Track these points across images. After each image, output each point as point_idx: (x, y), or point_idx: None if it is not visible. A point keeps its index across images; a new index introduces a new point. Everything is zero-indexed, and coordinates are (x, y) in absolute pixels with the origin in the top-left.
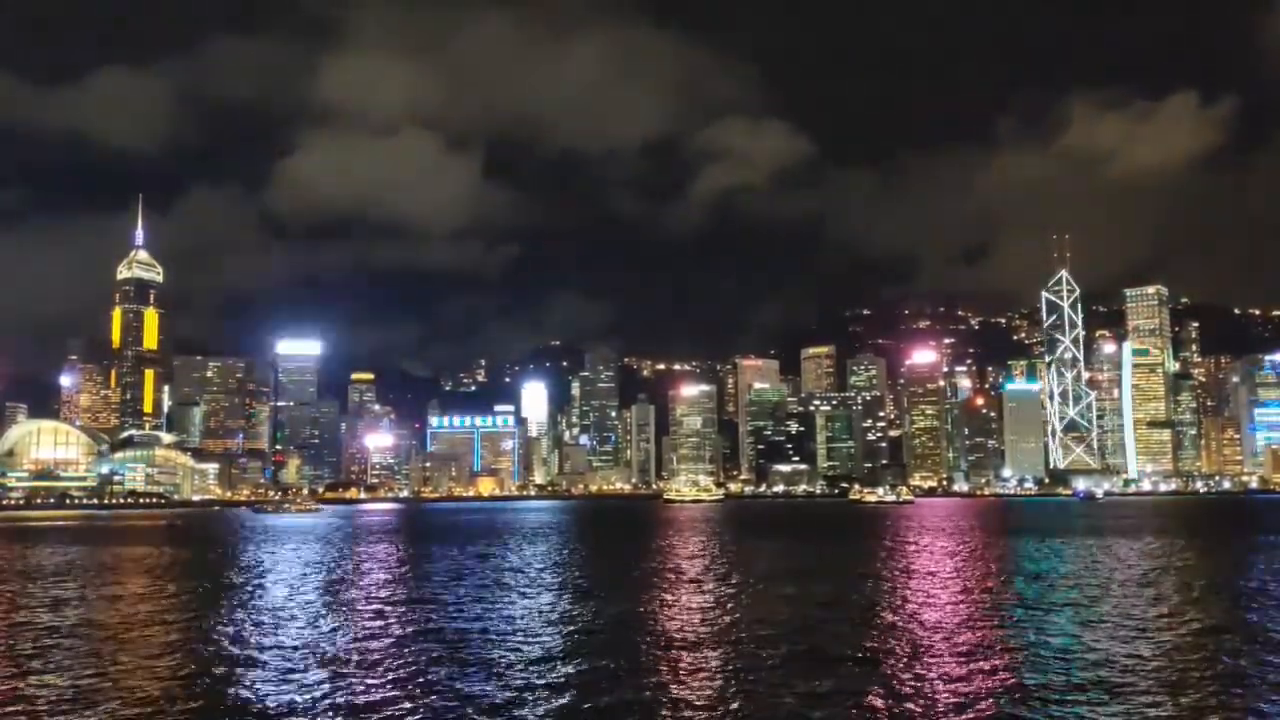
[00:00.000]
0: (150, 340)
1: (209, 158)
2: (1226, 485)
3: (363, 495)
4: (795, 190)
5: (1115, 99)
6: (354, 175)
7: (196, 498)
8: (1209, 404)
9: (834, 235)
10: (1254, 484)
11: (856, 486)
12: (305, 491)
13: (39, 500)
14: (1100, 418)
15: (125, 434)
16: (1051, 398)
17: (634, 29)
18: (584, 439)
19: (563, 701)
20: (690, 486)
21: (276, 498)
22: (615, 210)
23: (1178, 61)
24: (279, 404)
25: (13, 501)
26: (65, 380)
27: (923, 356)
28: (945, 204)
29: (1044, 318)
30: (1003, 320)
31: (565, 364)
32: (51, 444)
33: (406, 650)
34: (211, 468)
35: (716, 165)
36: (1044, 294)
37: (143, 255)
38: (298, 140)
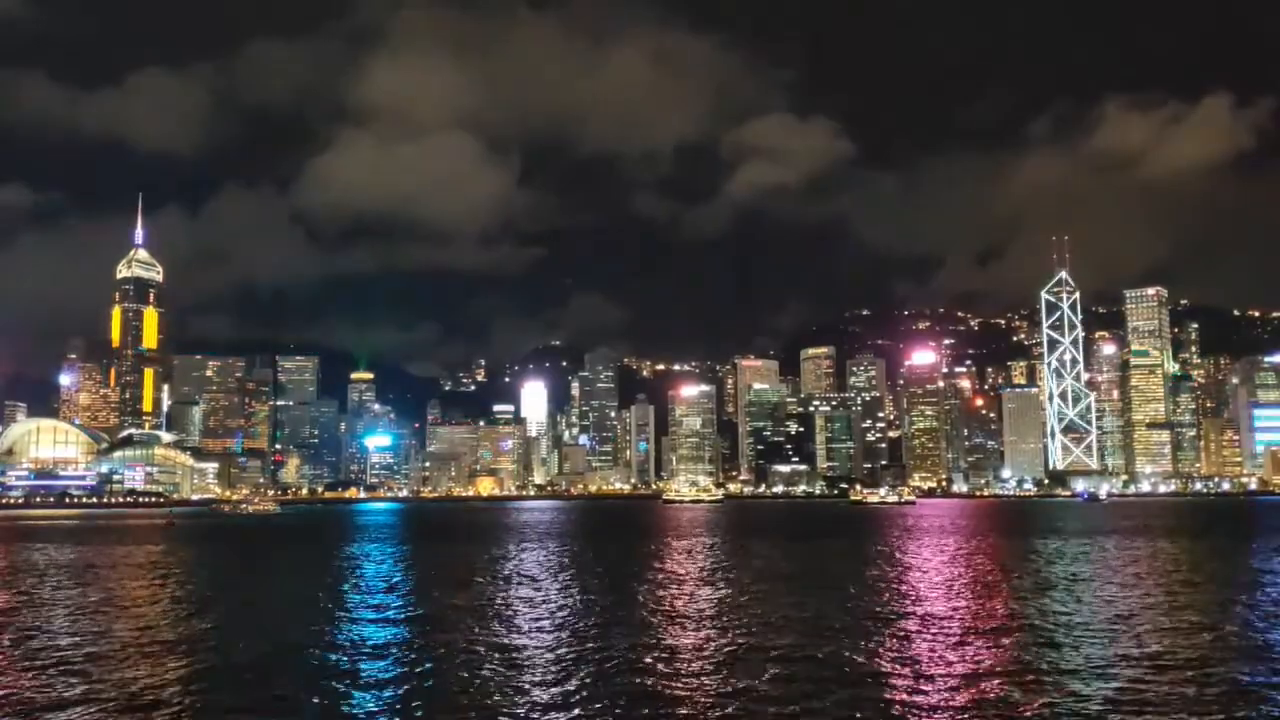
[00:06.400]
0: (150, 339)
1: (242, 158)
2: (1225, 487)
3: (362, 495)
4: (826, 191)
5: (1149, 101)
6: (388, 176)
7: (195, 497)
8: (1208, 405)
9: (859, 236)
10: (1253, 485)
11: (858, 487)
12: (305, 491)
13: (38, 499)
14: (1099, 419)
15: (124, 433)
16: (1051, 399)
17: (674, 33)
18: (583, 439)
19: (561, 701)
20: (689, 487)
21: (234, 498)
22: (646, 213)
23: (1215, 64)
24: (278, 403)
25: (12, 500)
26: (65, 379)
27: (922, 357)
28: (973, 205)
29: (1043, 319)
30: (1002, 321)
31: (565, 364)
32: (51, 443)
33: (401, 650)
34: (211, 467)
35: (753, 163)
36: (1044, 295)
37: (142, 254)
38: (332, 142)
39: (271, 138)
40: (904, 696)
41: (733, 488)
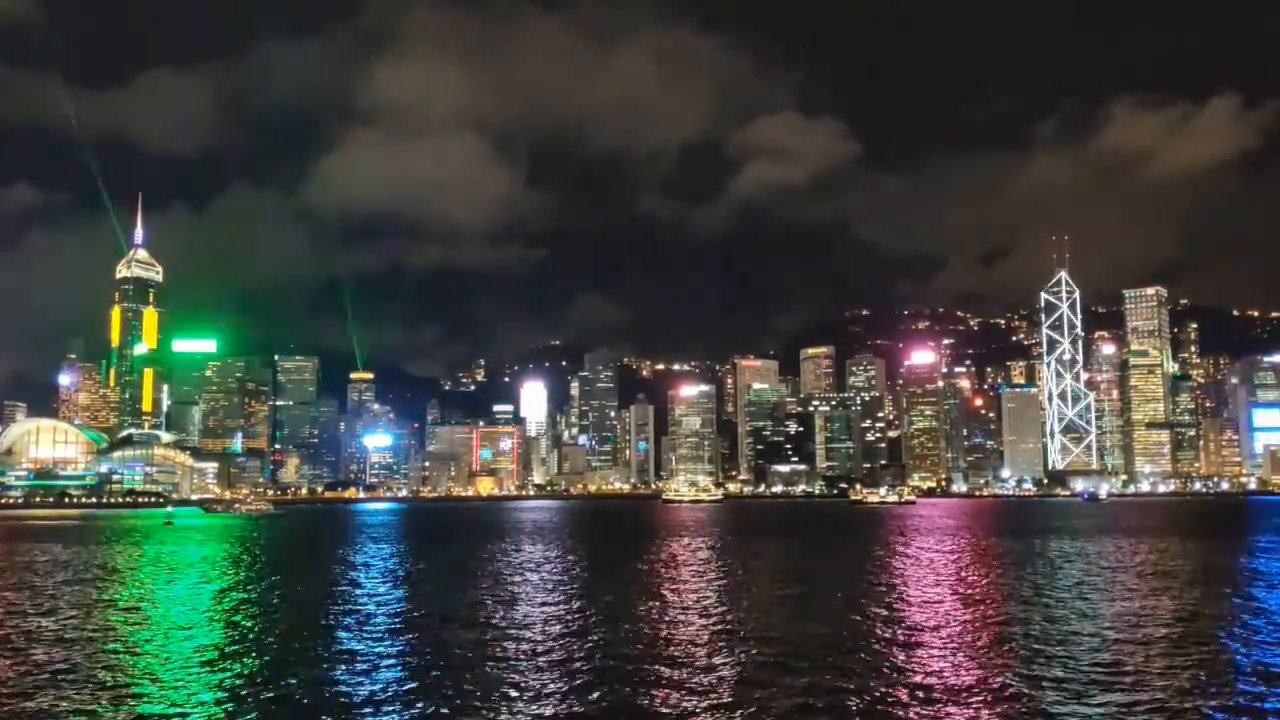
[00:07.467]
0: (150, 339)
1: (249, 158)
2: (1225, 486)
3: (361, 495)
4: (830, 191)
5: (1156, 102)
6: (395, 177)
7: (195, 496)
8: (1208, 405)
9: (862, 237)
10: (1252, 485)
11: (858, 487)
12: (305, 491)
13: (38, 499)
14: (1099, 419)
15: (124, 433)
16: (1050, 399)
17: (680, 33)
18: (583, 439)
19: (559, 702)
20: (689, 487)
21: (227, 497)
22: (651, 213)
23: (1222, 65)
24: (278, 403)
25: (12, 500)
26: (65, 379)
27: (922, 357)
28: (978, 206)
29: (1043, 319)
30: (1002, 321)
31: (565, 364)
32: (50, 443)
33: (400, 649)
34: (210, 466)
35: (759, 162)
36: (1043, 295)
37: (142, 254)
38: (340, 142)
39: (278, 138)
40: (908, 701)
41: (732, 487)
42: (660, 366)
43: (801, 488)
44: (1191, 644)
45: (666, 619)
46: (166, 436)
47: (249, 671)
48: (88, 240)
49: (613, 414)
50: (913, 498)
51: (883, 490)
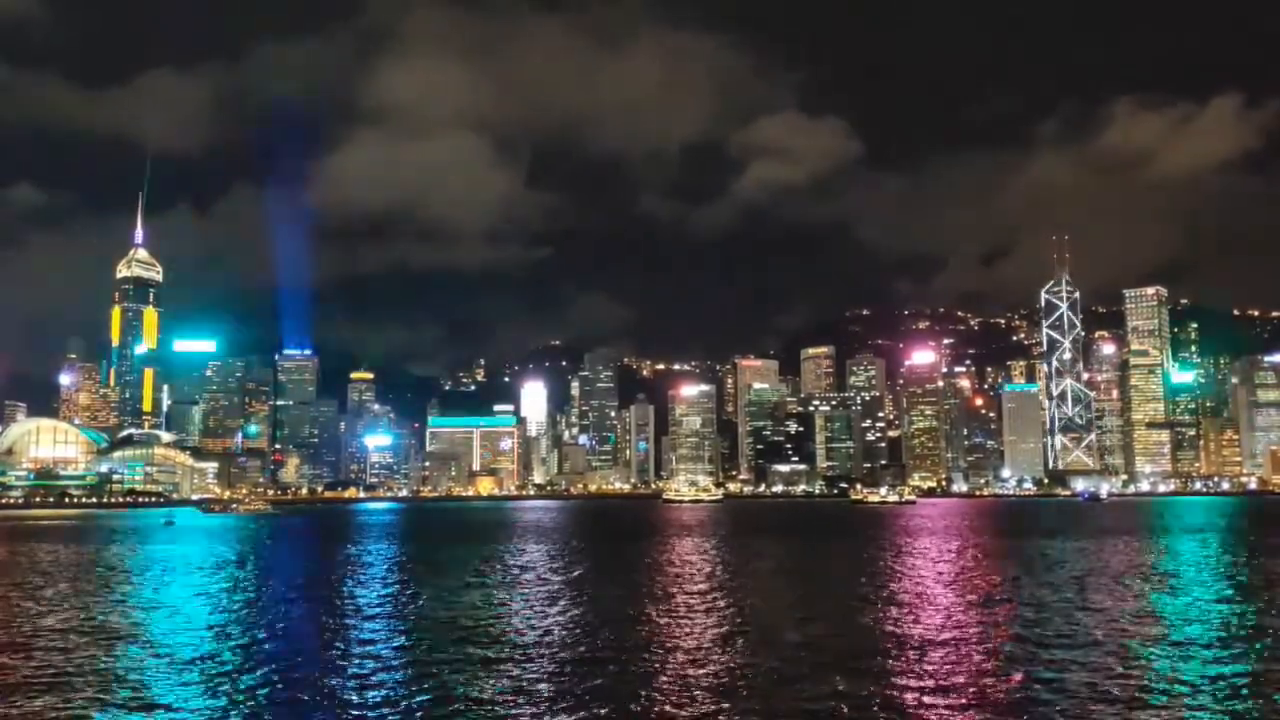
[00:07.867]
0: (150, 339)
1: (251, 158)
2: (1225, 486)
3: (361, 494)
4: (832, 191)
5: (1157, 102)
6: (396, 176)
7: (195, 497)
8: (1208, 405)
9: (863, 237)
10: (1253, 485)
11: (859, 487)
12: (305, 491)
13: (38, 499)
14: (1099, 418)
15: (124, 433)
16: (1050, 398)
17: (682, 33)
18: (583, 439)
19: (561, 702)
20: (689, 487)
21: (226, 497)
22: (652, 213)
23: (1224, 64)
24: (278, 403)
25: (12, 500)
26: (65, 379)
27: (922, 357)
28: (979, 206)
29: (1043, 319)
30: (1002, 321)
31: (565, 364)
32: (51, 443)
33: (400, 649)
34: (210, 466)
35: (761, 162)
36: (1044, 295)
37: (142, 254)
38: (342, 142)
39: (280, 137)
40: (910, 702)
41: (732, 487)
42: (660, 366)
43: (802, 488)
44: (1196, 645)
45: (668, 619)
46: (167, 436)
47: (249, 671)
48: (80, 240)
49: (613, 414)
50: (913, 498)
51: (883, 490)
